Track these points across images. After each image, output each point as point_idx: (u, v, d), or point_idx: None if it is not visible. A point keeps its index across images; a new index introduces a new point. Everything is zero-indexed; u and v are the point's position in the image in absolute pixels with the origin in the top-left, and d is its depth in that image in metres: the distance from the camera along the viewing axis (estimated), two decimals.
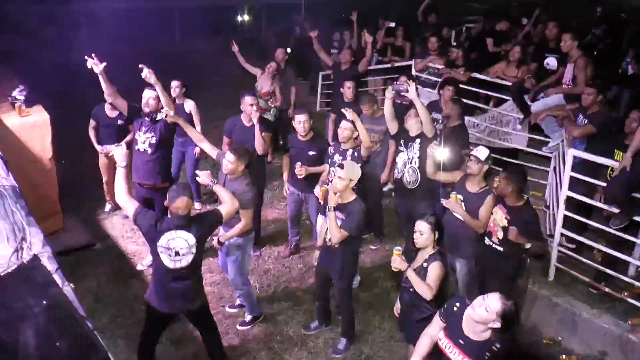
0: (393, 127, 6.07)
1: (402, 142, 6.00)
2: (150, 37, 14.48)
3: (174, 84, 7.28)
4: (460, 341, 3.41)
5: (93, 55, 5.46)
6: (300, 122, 6.13)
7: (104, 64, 5.49)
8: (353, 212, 4.90)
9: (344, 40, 11.44)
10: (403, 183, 6.00)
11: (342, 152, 5.99)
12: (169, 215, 4.34)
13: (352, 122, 5.75)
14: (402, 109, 6.60)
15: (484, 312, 3.28)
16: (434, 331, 3.65)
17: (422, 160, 5.69)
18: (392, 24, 11.69)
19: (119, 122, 7.07)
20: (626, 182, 5.03)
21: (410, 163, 5.86)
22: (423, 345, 3.70)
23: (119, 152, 4.44)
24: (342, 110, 5.78)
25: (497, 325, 3.26)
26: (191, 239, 4.31)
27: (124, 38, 13.14)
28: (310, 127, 6.23)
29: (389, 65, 10.51)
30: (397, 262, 4.33)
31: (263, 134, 6.14)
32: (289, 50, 10.04)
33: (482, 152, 5.09)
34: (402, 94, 5.80)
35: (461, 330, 3.42)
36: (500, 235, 5.00)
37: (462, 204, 5.13)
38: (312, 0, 16.50)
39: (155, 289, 4.53)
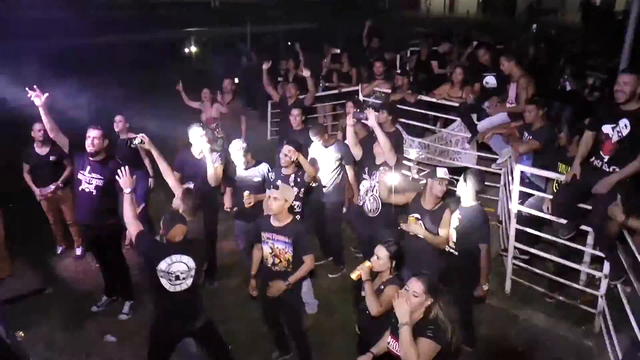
0: (357, 153, 6.16)
1: (366, 169, 6.06)
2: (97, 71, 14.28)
3: (118, 118, 7.21)
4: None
5: (35, 87, 5.37)
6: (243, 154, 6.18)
7: (46, 94, 5.39)
8: (300, 234, 4.92)
9: (289, 68, 11.59)
10: (364, 210, 6.09)
11: (284, 177, 6.03)
12: (164, 242, 4.37)
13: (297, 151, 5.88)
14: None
15: (414, 298, 3.53)
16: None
17: None
18: (337, 50, 11.92)
19: (52, 158, 6.88)
20: (571, 193, 5.21)
21: (372, 191, 5.93)
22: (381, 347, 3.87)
23: (122, 181, 4.62)
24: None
25: (430, 301, 3.53)
26: (191, 262, 4.37)
27: (70, 74, 12.95)
28: (250, 158, 6.27)
29: (336, 91, 10.62)
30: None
31: (215, 165, 6.12)
32: (236, 80, 10.12)
33: (442, 173, 5.19)
34: (363, 121, 5.89)
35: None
36: (454, 237, 5.18)
37: (421, 223, 5.24)
38: (257, 30, 16.64)
39: (158, 313, 4.60)
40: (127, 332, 5.96)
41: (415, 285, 3.66)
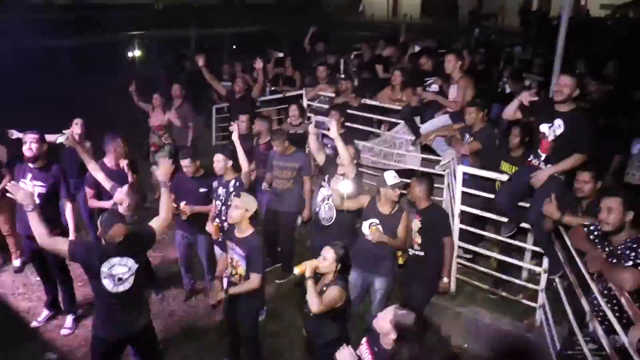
0: (320, 159, 6.18)
1: (326, 177, 6.10)
2: (36, 77, 13.88)
3: (76, 121, 7.09)
4: (375, 348, 3.60)
5: None
6: (186, 167, 6.12)
7: None
8: (254, 250, 4.90)
9: (234, 72, 11.54)
10: (319, 218, 6.12)
11: (225, 184, 6.00)
12: (103, 243, 4.25)
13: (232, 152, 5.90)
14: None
15: (380, 323, 3.51)
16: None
17: None
18: (281, 54, 11.93)
19: None
20: (512, 191, 5.37)
21: (328, 200, 5.95)
22: None
23: (18, 195, 4.16)
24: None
25: (393, 336, 3.45)
26: (132, 263, 4.31)
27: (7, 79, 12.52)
28: (198, 166, 6.23)
29: (281, 95, 10.63)
30: (377, 235, 5.02)
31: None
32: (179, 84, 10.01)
33: (392, 178, 5.29)
34: (324, 132, 5.90)
35: (378, 339, 3.60)
36: (419, 240, 5.30)
37: (380, 227, 5.31)
38: (202, 34, 16.48)
39: (100, 317, 4.48)
40: (70, 347, 5.79)
41: (327, 251, 4.36)
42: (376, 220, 5.33)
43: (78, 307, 6.27)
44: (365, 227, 5.38)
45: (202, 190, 6.17)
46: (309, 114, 8.86)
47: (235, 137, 6.05)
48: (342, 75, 9.72)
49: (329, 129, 5.60)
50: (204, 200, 6.15)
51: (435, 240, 5.40)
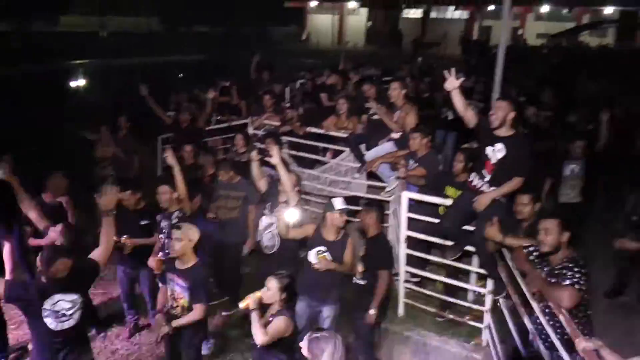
0: (262, 186, 6.17)
1: (268, 205, 6.07)
2: None
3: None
4: None
5: None
6: (127, 199, 6.02)
7: None
8: (198, 280, 4.85)
9: (180, 101, 11.45)
10: (261, 247, 6.09)
11: (168, 215, 5.94)
12: (43, 280, 4.11)
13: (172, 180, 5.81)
14: None
15: (304, 351, 3.64)
16: None
17: None
18: (227, 83, 11.94)
19: None
20: (456, 216, 5.47)
21: (270, 228, 5.94)
22: None
23: None
24: None
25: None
26: (76, 297, 4.18)
27: None
28: (138, 198, 6.14)
29: (226, 124, 10.59)
30: (324, 263, 4.98)
31: None
32: (125, 114, 9.87)
33: (339, 203, 5.32)
34: (266, 159, 5.89)
35: None
36: (360, 268, 5.32)
37: (327, 254, 5.32)
38: (147, 61, 16.34)
39: (40, 357, 4.28)
40: None
41: (270, 281, 4.35)
42: (323, 248, 5.34)
43: (10, 351, 5.98)
44: (312, 255, 5.36)
45: (143, 222, 6.07)
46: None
47: (170, 161, 5.95)
48: (288, 104, 9.79)
49: (271, 156, 5.63)
50: (146, 233, 6.04)
51: (374, 271, 5.44)
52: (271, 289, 4.37)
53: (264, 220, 6.02)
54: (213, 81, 11.93)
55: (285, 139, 8.88)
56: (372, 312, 5.34)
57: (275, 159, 5.53)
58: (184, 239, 4.82)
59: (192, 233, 4.92)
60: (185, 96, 11.42)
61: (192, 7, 39.23)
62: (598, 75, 13.86)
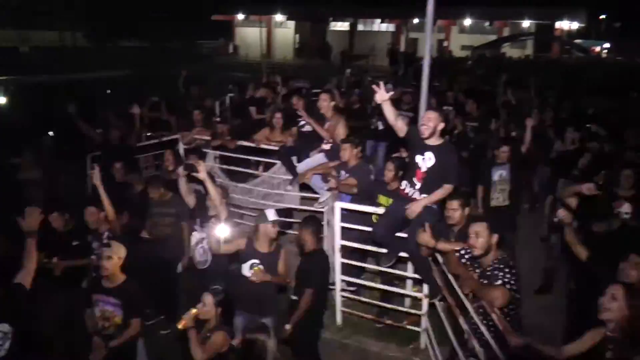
0: (191, 202, 6.08)
1: (198, 220, 5.99)
2: None
3: None
4: None
5: None
6: (55, 220, 5.88)
7: None
8: (131, 295, 4.78)
9: (108, 118, 11.16)
10: (193, 262, 6.00)
11: (98, 236, 5.85)
12: None
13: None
14: None
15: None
16: None
17: None
18: (156, 99, 11.75)
19: None
20: (389, 223, 5.54)
21: (202, 243, 5.87)
22: None
23: None
24: None
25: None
26: (7, 327, 4.03)
27: None
28: (67, 219, 5.99)
29: (157, 140, 10.43)
30: (261, 275, 5.00)
31: None
32: (50, 133, 9.57)
33: (272, 215, 5.34)
34: (194, 174, 5.83)
35: None
36: (293, 283, 5.34)
37: (261, 267, 5.29)
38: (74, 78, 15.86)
39: None
40: None
41: (205, 297, 4.45)
42: (257, 261, 5.33)
43: None
44: (245, 268, 5.34)
45: (74, 243, 5.90)
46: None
47: (95, 181, 5.79)
48: (219, 118, 9.72)
49: (198, 172, 5.58)
50: (78, 254, 5.86)
51: (325, 288, 5.49)
52: (207, 305, 4.34)
53: (195, 236, 5.97)
54: (142, 97, 11.72)
55: (216, 153, 8.82)
56: (287, 327, 5.36)
57: (201, 174, 5.51)
58: (114, 257, 4.75)
59: (121, 251, 4.85)
60: (113, 113, 11.13)
61: (118, 21, 38.46)
62: (520, 84, 14.48)
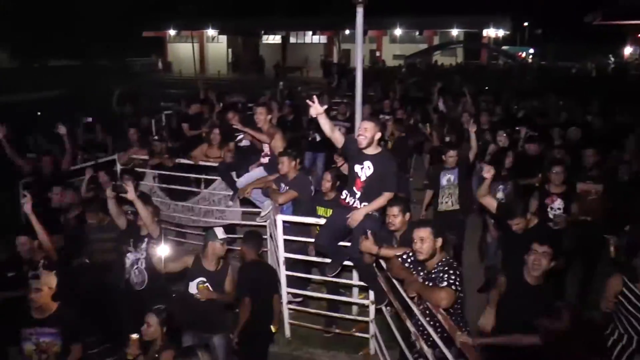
0: (122, 223, 5.97)
1: (131, 241, 5.90)
2: None
3: None
4: None
5: None
6: None
7: None
8: (67, 323, 4.63)
9: (39, 142, 10.83)
10: (130, 284, 5.87)
11: (33, 265, 5.57)
12: None
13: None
14: None
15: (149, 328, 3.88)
16: None
17: (149, 260, 5.66)
18: (90, 119, 11.47)
19: None
20: (330, 233, 5.57)
21: (138, 264, 5.76)
22: None
23: None
24: None
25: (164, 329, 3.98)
26: None
27: None
28: None
29: (93, 162, 10.15)
30: (206, 293, 5.02)
31: None
32: None
33: (221, 233, 5.32)
34: (122, 195, 5.73)
35: None
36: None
37: (208, 285, 5.25)
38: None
39: None
40: None
41: (149, 317, 4.40)
42: (204, 279, 5.29)
43: None
44: (192, 286, 5.29)
45: (9, 274, 5.68)
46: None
47: (26, 209, 5.61)
48: (156, 136, 9.59)
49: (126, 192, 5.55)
50: (14, 286, 5.64)
51: (264, 297, 5.47)
52: (152, 325, 4.28)
53: (130, 257, 5.85)
54: (74, 117, 11.42)
55: (155, 172, 8.68)
56: (232, 336, 5.40)
57: (130, 195, 5.48)
58: (44, 288, 4.59)
59: (51, 280, 4.69)
60: (43, 136, 10.79)
61: (46, 40, 37.30)
62: (453, 91, 14.93)
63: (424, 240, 4.36)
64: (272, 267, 6.17)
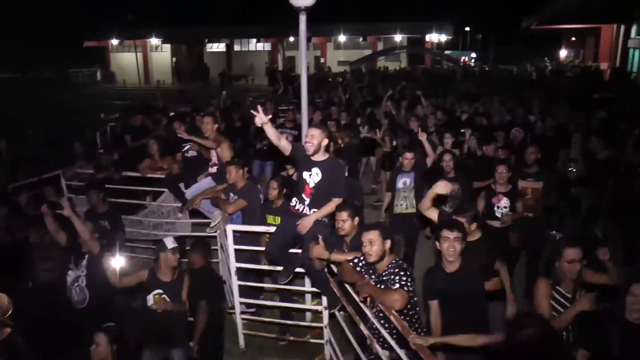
0: (62, 239, 5.83)
1: (72, 259, 5.76)
2: None
3: None
4: None
5: None
6: None
7: None
8: (15, 349, 4.49)
9: None
10: (72, 303, 5.72)
11: None
12: None
13: None
14: None
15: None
16: None
17: (90, 277, 5.57)
18: (31, 132, 11.19)
19: None
20: (281, 241, 5.57)
21: (78, 281, 5.64)
22: None
23: None
24: None
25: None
26: None
27: None
28: None
29: (36, 178, 9.85)
30: (162, 304, 4.88)
31: None
32: None
33: (171, 242, 5.27)
34: (59, 211, 5.61)
35: None
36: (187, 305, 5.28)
37: (165, 297, 5.20)
38: None
39: None
40: None
41: (98, 337, 4.36)
42: (160, 291, 5.23)
43: None
44: (149, 299, 5.22)
45: None
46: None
47: None
48: (101, 150, 9.41)
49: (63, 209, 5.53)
50: None
51: (214, 305, 5.44)
52: (101, 344, 4.21)
53: (70, 275, 5.73)
54: (15, 131, 11.10)
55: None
56: (191, 344, 5.33)
57: (66, 211, 5.47)
58: None
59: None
60: None
61: None
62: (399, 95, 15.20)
63: (373, 242, 4.40)
64: (219, 276, 6.13)
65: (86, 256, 5.64)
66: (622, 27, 30.89)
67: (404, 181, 7.50)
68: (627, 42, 29.81)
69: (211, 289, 5.56)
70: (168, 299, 5.21)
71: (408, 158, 7.51)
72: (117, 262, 5.32)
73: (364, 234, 4.48)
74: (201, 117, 8.01)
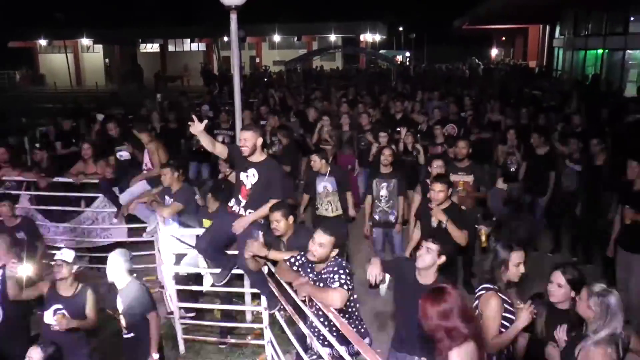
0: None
1: None
2: None
3: None
4: None
5: None
6: None
7: None
8: None
9: None
10: None
11: None
12: None
13: None
14: None
15: None
16: None
17: (4, 293, 5.21)
18: None
19: None
20: (214, 237, 5.54)
21: None
22: None
23: None
24: None
25: None
26: None
27: None
28: None
29: None
30: (65, 322, 4.69)
31: None
32: None
33: (68, 255, 5.03)
34: None
35: None
36: (124, 322, 5.11)
37: (65, 312, 4.93)
38: None
39: None
40: None
41: (32, 351, 4.24)
42: (60, 306, 4.97)
43: None
44: (48, 315, 4.96)
45: None
46: None
47: None
48: (37, 144, 9.11)
49: None
50: None
51: (139, 319, 5.23)
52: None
53: None
54: None
55: (30, 194, 8.19)
56: (155, 356, 5.10)
57: None
58: None
59: None
60: None
61: None
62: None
63: (323, 245, 4.38)
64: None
65: (1, 271, 5.24)
66: (548, 28, 32.31)
67: (324, 186, 7.31)
68: (553, 42, 31.18)
69: (148, 300, 5.36)
70: (69, 316, 4.90)
71: (316, 160, 7.33)
72: (23, 269, 5.07)
73: (318, 235, 4.40)
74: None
